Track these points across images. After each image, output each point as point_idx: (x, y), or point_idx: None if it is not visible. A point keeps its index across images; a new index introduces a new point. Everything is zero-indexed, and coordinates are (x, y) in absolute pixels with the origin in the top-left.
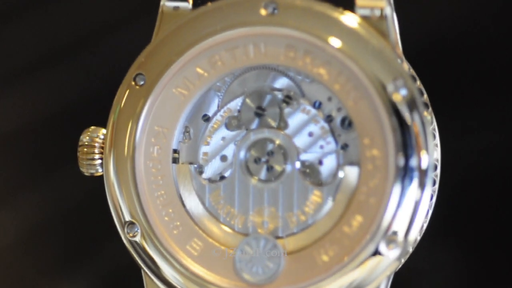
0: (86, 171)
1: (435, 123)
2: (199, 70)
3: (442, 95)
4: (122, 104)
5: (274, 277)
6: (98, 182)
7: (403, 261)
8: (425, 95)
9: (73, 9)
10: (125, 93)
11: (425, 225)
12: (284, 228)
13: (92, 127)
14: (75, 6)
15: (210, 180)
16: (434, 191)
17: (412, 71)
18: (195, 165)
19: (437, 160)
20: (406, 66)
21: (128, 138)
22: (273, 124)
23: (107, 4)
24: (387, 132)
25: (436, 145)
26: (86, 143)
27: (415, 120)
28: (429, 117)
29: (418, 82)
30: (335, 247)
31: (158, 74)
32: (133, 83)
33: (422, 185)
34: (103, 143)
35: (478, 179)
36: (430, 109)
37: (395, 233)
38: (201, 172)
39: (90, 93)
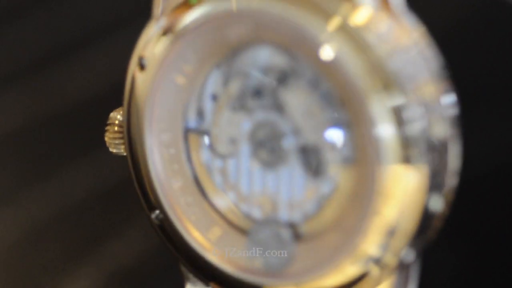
0: (112, 149)
1: None
2: (194, 53)
3: None
4: (130, 91)
5: (286, 264)
6: (100, 181)
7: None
8: None
9: (75, 8)
10: (131, 78)
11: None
12: (292, 214)
13: None
14: (77, 5)
15: (220, 161)
16: None
17: None
18: (208, 143)
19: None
20: None
21: (139, 125)
22: (274, 105)
23: (109, 2)
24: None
25: None
26: (116, 122)
27: None
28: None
29: None
30: (340, 236)
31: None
32: (138, 67)
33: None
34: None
35: (480, 178)
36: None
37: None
38: (213, 152)
39: (92, 91)
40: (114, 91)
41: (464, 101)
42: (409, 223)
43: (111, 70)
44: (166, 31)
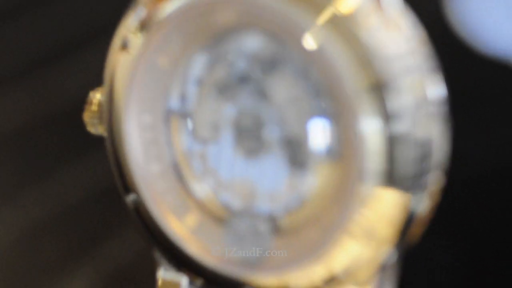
0: (90, 128)
1: None
2: (179, 36)
3: None
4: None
5: (262, 257)
6: (98, 181)
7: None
8: None
9: (74, 8)
10: (114, 58)
11: None
12: (272, 207)
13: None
14: (77, 5)
15: (200, 145)
16: None
17: None
18: (189, 127)
19: None
20: None
21: (119, 106)
22: (260, 93)
23: (108, 3)
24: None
25: None
26: (94, 101)
27: None
28: None
29: None
30: (319, 233)
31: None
32: (120, 47)
33: None
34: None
35: (477, 178)
36: None
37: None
38: (194, 136)
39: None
40: None
41: (459, 102)
42: (390, 225)
43: None
44: (144, 23)
